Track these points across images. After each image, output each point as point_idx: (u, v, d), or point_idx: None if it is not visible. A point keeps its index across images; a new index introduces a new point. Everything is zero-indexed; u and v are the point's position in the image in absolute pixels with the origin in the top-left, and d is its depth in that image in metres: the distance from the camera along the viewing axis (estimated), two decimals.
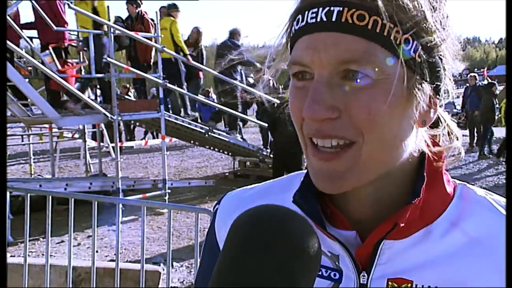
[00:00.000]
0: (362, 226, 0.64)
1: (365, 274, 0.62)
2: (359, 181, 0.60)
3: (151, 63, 8.09)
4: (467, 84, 12.33)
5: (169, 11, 8.62)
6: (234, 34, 8.95)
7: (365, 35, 0.55)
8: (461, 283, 0.60)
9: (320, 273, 0.64)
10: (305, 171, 0.69)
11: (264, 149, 8.79)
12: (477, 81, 12.18)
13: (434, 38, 0.58)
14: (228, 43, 8.67)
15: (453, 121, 0.70)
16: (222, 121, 10.16)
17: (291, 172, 0.78)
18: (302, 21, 0.59)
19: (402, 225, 0.60)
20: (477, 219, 0.63)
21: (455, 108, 13.31)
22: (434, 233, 0.62)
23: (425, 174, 0.63)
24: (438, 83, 0.61)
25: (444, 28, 0.59)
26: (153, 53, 7.85)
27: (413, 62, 0.57)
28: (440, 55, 0.60)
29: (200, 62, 8.57)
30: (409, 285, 0.61)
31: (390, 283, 0.62)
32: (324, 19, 0.56)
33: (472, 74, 12.75)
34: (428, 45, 0.58)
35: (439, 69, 0.60)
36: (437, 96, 0.62)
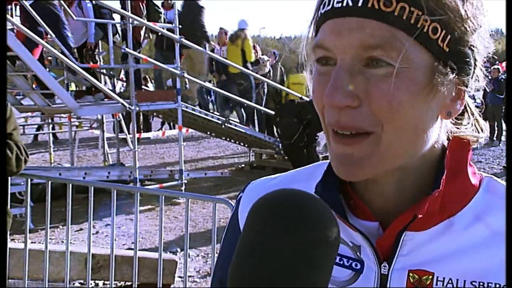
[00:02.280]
0: (384, 217, 0.64)
1: (386, 265, 0.62)
2: (378, 169, 0.60)
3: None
4: (489, 77, 12.06)
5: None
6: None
7: (391, 22, 0.54)
8: (482, 276, 0.59)
9: (341, 262, 0.65)
10: (328, 161, 0.69)
11: (280, 140, 8.77)
12: (499, 74, 11.91)
13: (465, 27, 0.57)
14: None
15: (478, 112, 0.69)
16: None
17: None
18: (328, 5, 0.58)
19: (420, 216, 0.59)
20: (501, 213, 0.63)
21: (475, 102, 13.05)
22: (456, 225, 0.62)
23: (445, 165, 0.63)
24: (467, 74, 0.60)
25: (476, 18, 0.58)
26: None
27: (441, 51, 0.56)
28: (471, 45, 0.58)
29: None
30: (430, 276, 0.61)
31: (411, 274, 0.61)
32: (350, 3, 0.56)
33: (496, 66, 12.46)
34: (458, 34, 0.56)
35: (468, 59, 0.59)
36: (465, 88, 0.61)
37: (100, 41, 8.27)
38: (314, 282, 0.47)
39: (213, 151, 11.58)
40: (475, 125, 0.68)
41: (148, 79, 13.67)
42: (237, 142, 9.63)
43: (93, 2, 6.77)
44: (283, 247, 0.46)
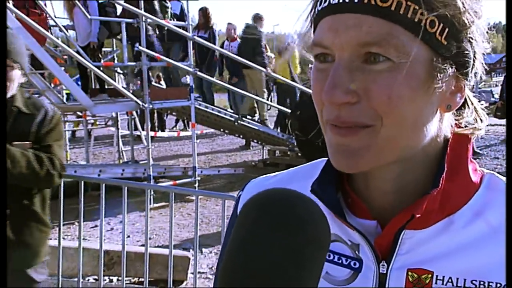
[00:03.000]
0: (383, 215, 0.63)
1: (385, 264, 0.62)
2: (375, 161, 0.59)
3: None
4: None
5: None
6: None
7: (387, 17, 0.54)
8: (483, 274, 0.59)
9: (340, 261, 0.64)
10: (326, 159, 0.69)
11: (293, 137, 8.75)
12: None
13: (463, 20, 0.56)
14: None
15: (481, 106, 0.67)
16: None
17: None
18: (325, 1, 0.58)
19: (418, 215, 0.59)
20: (500, 209, 0.61)
21: (493, 97, 12.86)
22: (456, 224, 0.61)
23: (445, 164, 0.62)
24: (466, 67, 0.59)
25: (474, 10, 0.57)
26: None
27: (439, 45, 0.55)
28: (470, 38, 0.58)
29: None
30: (430, 275, 0.60)
31: (410, 273, 0.61)
32: (347, 0, 0.55)
33: None
34: (456, 28, 0.56)
35: (467, 52, 0.58)
36: (465, 80, 0.60)
37: (113, 40, 8.34)
38: (302, 281, 0.46)
39: (227, 149, 11.61)
40: (475, 116, 0.67)
41: (162, 76, 13.72)
42: (250, 139, 9.63)
43: (99, 0, 6.76)
44: (271, 245, 0.46)
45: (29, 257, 2.18)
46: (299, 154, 8.52)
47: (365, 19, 0.54)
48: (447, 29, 0.55)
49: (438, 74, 0.57)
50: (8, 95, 2.09)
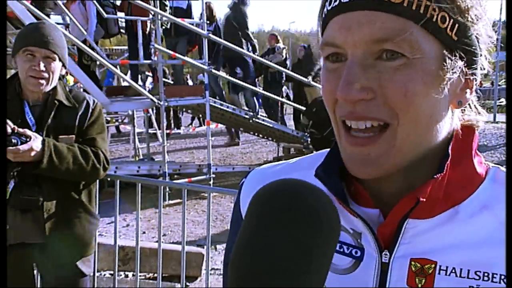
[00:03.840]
0: (386, 205, 0.63)
1: (387, 253, 0.61)
2: (394, 165, 0.59)
3: (147, 33, 7.42)
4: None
5: None
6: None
7: (401, 13, 0.54)
8: (487, 265, 0.58)
9: (341, 250, 0.64)
10: (329, 149, 0.69)
11: (308, 135, 8.72)
12: None
13: (471, 16, 0.56)
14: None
15: (478, 102, 0.67)
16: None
17: None
18: (335, 0, 0.58)
19: (422, 199, 0.58)
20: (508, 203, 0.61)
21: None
22: (461, 214, 0.60)
23: (450, 150, 0.61)
24: (474, 63, 0.59)
25: (480, 6, 0.57)
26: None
27: (450, 40, 0.56)
28: (477, 34, 0.58)
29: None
30: (433, 265, 0.59)
31: (413, 262, 0.60)
32: None
33: None
34: (465, 23, 0.56)
35: (475, 48, 0.58)
36: (474, 77, 0.60)
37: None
38: (313, 272, 0.46)
39: (242, 146, 11.62)
40: (475, 112, 0.67)
41: (169, 72, 13.72)
42: (265, 137, 9.63)
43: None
44: (282, 238, 0.46)
45: (80, 249, 2.18)
46: (314, 151, 8.50)
47: (378, 15, 0.54)
48: (457, 25, 0.55)
49: (449, 69, 0.56)
50: (49, 88, 2.08)
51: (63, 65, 2.13)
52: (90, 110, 2.16)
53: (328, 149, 0.69)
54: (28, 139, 1.94)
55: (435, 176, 0.59)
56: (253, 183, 0.76)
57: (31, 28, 2.15)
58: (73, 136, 2.10)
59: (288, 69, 9.18)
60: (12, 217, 2.02)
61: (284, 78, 9.78)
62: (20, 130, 1.96)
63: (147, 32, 7.29)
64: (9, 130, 1.92)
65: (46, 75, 2.04)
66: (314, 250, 0.47)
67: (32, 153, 1.95)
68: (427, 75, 0.55)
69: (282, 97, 10.35)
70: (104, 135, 2.23)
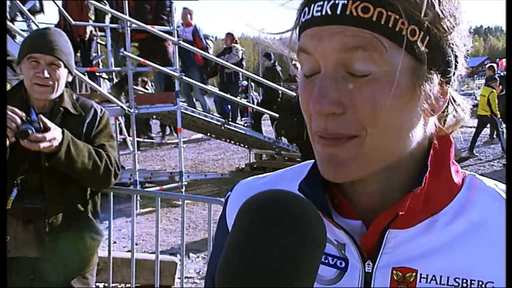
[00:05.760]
0: (369, 216, 0.64)
1: (370, 263, 0.63)
2: (363, 170, 0.60)
3: (85, 39, 7.26)
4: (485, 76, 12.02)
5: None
6: None
7: (370, 27, 0.55)
8: (465, 271, 0.60)
9: (326, 261, 0.65)
10: (314, 160, 0.69)
11: (280, 141, 8.77)
12: (495, 72, 11.85)
13: (443, 27, 0.57)
14: None
15: (464, 99, 0.67)
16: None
17: None
18: (308, 13, 0.59)
19: (401, 213, 0.60)
20: (481, 206, 0.63)
21: (475, 99, 13.06)
22: (439, 223, 0.62)
23: (428, 163, 0.63)
24: (448, 72, 0.60)
25: (453, 16, 0.58)
26: (88, 29, 7.09)
27: (420, 53, 0.56)
28: (451, 43, 0.59)
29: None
30: (414, 274, 0.61)
31: (394, 271, 0.62)
32: (329, 12, 0.56)
33: (490, 64, 12.43)
34: (437, 34, 0.57)
35: (449, 58, 0.59)
36: (448, 85, 0.61)
37: (99, 45, 8.26)
38: (300, 280, 0.47)
39: (214, 153, 11.59)
40: (456, 110, 0.67)
41: (147, 80, 13.58)
42: (237, 143, 9.63)
43: None
44: (269, 246, 0.46)
45: (77, 266, 2.09)
46: (286, 158, 8.55)
47: (349, 29, 0.56)
48: (428, 37, 0.57)
49: (422, 81, 0.58)
50: (55, 95, 2.01)
51: (69, 72, 2.07)
52: (98, 118, 2.11)
53: (313, 161, 0.70)
54: (40, 125, 1.88)
55: (414, 190, 0.60)
56: (239, 196, 0.76)
57: (35, 35, 2.09)
58: None
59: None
60: (14, 228, 1.94)
61: (240, 78, 9.68)
62: (31, 118, 1.89)
63: (85, 38, 7.10)
64: (18, 120, 1.86)
65: (50, 82, 1.98)
66: (302, 257, 0.47)
67: (55, 143, 1.89)
68: (397, 88, 0.56)
69: (253, 102, 10.36)
70: (113, 143, 2.18)
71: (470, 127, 10.32)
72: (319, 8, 0.57)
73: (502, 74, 12.66)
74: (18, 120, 1.86)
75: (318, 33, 0.57)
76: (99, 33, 7.80)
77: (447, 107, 0.66)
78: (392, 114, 0.57)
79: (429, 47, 0.57)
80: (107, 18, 7.26)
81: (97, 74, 7.95)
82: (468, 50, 0.62)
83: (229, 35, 9.82)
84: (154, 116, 9.03)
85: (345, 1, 0.55)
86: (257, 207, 0.50)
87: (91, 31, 7.04)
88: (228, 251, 0.49)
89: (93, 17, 6.91)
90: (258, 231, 0.48)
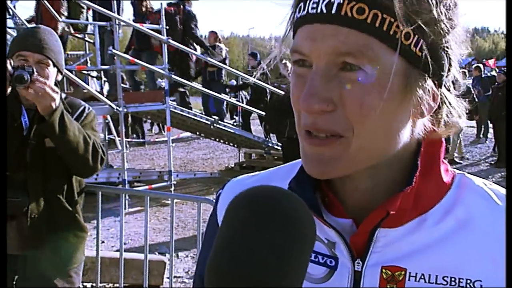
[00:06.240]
0: (359, 215, 0.64)
1: (360, 262, 0.63)
2: (348, 169, 0.61)
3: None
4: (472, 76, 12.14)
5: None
6: None
7: (363, 29, 0.55)
8: (454, 269, 0.60)
9: (316, 259, 0.65)
10: None
11: (269, 140, 8.78)
12: (481, 73, 11.98)
13: (439, 31, 0.57)
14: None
15: (459, 101, 0.66)
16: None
17: None
18: (304, 9, 0.59)
19: (392, 212, 0.60)
20: (469, 205, 0.63)
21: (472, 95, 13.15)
22: (428, 222, 0.63)
23: (419, 163, 0.63)
24: (441, 75, 0.60)
25: (450, 19, 0.58)
26: (59, 25, 6.85)
27: (414, 57, 0.56)
28: (446, 47, 0.59)
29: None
30: (403, 272, 0.61)
31: (384, 270, 0.62)
32: (324, 10, 0.56)
33: (476, 65, 12.57)
34: (431, 38, 0.57)
35: (442, 61, 0.59)
36: (439, 88, 0.61)
37: (86, 43, 8.20)
38: (290, 277, 0.47)
39: (203, 152, 11.56)
40: (451, 113, 0.66)
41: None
42: (226, 142, 9.62)
43: None
44: (258, 242, 0.46)
45: (60, 264, 2.06)
46: (275, 157, 8.55)
47: (342, 30, 0.55)
48: (422, 41, 0.56)
49: (413, 85, 0.58)
50: None
51: (59, 71, 2.06)
52: (85, 114, 2.13)
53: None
54: (33, 71, 1.88)
55: (404, 190, 0.60)
56: (230, 194, 0.75)
57: (25, 33, 2.08)
58: None
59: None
60: None
61: (223, 77, 9.63)
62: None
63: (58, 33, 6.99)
64: (9, 67, 1.84)
65: None
66: (291, 253, 0.47)
67: (56, 97, 1.89)
68: (387, 91, 0.56)
69: (242, 102, 10.34)
70: (97, 135, 2.17)
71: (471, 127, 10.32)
72: (315, 6, 0.57)
73: (489, 74, 12.82)
74: (9, 66, 1.84)
75: (312, 34, 0.57)
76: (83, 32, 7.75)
77: (440, 109, 0.66)
78: (381, 116, 0.57)
79: (422, 51, 0.57)
80: (82, 16, 7.22)
81: (85, 72, 7.90)
82: (462, 54, 0.62)
83: (213, 33, 9.77)
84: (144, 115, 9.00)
85: (341, 1, 0.55)
86: (246, 204, 0.50)
87: (63, 28, 6.92)
88: (217, 249, 0.49)
89: (66, 13, 6.82)
90: (247, 228, 0.47)
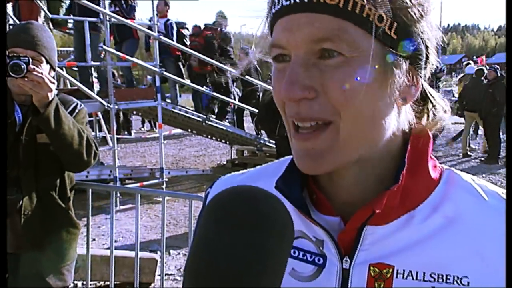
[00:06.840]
0: (347, 212, 0.64)
1: (348, 259, 0.63)
2: (339, 160, 0.60)
3: None
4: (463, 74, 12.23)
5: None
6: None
7: (337, 14, 0.56)
8: (441, 266, 0.60)
9: (304, 258, 0.65)
10: (292, 156, 0.69)
11: (261, 137, 8.77)
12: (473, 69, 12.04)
13: (411, 15, 0.58)
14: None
15: (442, 98, 0.69)
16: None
17: None
18: (278, 4, 0.60)
19: (378, 211, 0.60)
20: (457, 201, 0.64)
21: (453, 96, 13.27)
22: (416, 219, 0.63)
23: (406, 159, 0.63)
24: (419, 60, 0.61)
25: (421, 5, 0.59)
26: (39, 20, 6.63)
27: (389, 39, 0.57)
28: (420, 32, 0.60)
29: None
30: (390, 269, 0.61)
31: (372, 268, 0.62)
32: (297, 0, 0.57)
33: (467, 62, 12.64)
34: (404, 22, 0.58)
35: (419, 46, 0.60)
36: (418, 73, 0.62)
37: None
38: (266, 277, 0.46)
39: (195, 149, 11.54)
40: (435, 108, 0.68)
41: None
42: (218, 140, 9.60)
43: None
44: (235, 243, 0.46)
45: (52, 261, 2.05)
46: (268, 154, 8.56)
47: (316, 17, 0.56)
48: (395, 24, 0.57)
49: (391, 68, 0.59)
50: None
51: (52, 68, 2.03)
52: (77, 111, 2.13)
53: (291, 157, 0.69)
54: (29, 61, 1.86)
55: (391, 188, 0.60)
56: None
57: (17, 29, 2.04)
58: None
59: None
60: None
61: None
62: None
63: None
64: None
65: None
66: (269, 254, 0.46)
67: (52, 88, 1.88)
68: (366, 72, 0.57)
69: (234, 98, 10.32)
70: (89, 130, 2.17)
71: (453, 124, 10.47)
72: None
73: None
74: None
75: (288, 25, 0.58)
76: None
77: (425, 103, 0.66)
78: (363, 98, 0.57)
79: (397, 34, 0.58)
80: (62, 11, 7.15)
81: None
82: (438, 43, 0.63)
83: (196, 28, 9.67)
84: (134, 112, 8.94)
85: None
86: (222, 204, 0.49)
87: (43, 23, 6.85)
88: (196, 247, 0.48)
89: (45, 7, 6.74)
90: (223, 228, 0.47)
